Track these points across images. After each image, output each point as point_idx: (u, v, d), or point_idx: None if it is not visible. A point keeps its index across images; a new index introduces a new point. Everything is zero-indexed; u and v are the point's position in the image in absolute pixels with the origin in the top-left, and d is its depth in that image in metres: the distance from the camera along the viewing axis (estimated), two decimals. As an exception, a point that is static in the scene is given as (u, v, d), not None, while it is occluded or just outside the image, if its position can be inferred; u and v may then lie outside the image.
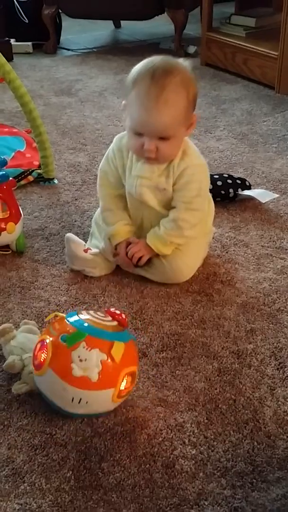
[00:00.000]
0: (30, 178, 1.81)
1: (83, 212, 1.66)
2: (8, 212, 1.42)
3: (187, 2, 2.92)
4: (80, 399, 0.97)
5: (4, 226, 1.42)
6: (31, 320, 1.22)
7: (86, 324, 0.99)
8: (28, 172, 1.81)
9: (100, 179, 1.40)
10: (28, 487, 0.92)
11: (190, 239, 1.35)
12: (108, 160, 1.37)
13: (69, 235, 1.39)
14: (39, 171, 1.82)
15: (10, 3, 3.02)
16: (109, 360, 0.97)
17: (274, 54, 2.45)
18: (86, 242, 1.43)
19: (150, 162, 1.28)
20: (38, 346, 1.01)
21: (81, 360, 0.96)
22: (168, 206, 1.33)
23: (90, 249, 1.39)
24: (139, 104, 1.20)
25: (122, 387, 0.99)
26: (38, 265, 1.44)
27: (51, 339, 0.99)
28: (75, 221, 1.62)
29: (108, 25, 3.55)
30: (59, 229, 1.58)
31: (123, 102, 1.28)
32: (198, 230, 1.36)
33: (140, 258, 1.34)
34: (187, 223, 1.31)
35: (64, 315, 1.03)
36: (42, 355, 0.99)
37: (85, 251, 1.38)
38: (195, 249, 1.37)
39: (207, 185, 1.36)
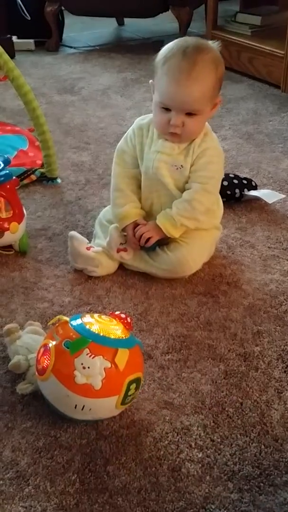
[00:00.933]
0: (33, 177, 1.79)
1: (86, 212, 1.64)
2: (11, 211, 1.41)
3: (192, 0, 2.91)
4: (84, 406, 0.96)
5: (7, 226, 1.40)
6: (35, 321, 1.21)
7: (89, 330, 0.98)
8: (31, 171, 1.80)
9: (116, 158, 1.42)
10: (32, 490, 0.92)
11: (200, 225, 1.35)
12: (127, 139, 1.39)
13: (72, 232, 1.39)
14: (42, 170, 1.81)
15: (13, 0, 3.01)
16: (113, 368, 0.95)
17: (280, 53, 2.44)
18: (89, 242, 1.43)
19: (173, 139, 1.30)
20: (41, 350, 1.00)
21: (84, 368, 0.94)
22: (181, 188, 1.34)
23: (93, 247, 1.38)
24: (170, 77, 1.23)
25: (126, 394, 0.98)
26: (41, 266, 1.42)
27: (54, 344, 0.98)
28: (78, 221, 1.60)
29: (111, 22, 3.54)
30: (63, 229, 1.57)
31: (150, 81, 1.31)
32: (207, 221, 1.36)
33: (148, 240, 1.34)
34: (201, 205, 1.32)
35: (67, 318, 1.02)
36: (45, 360, 0.97)
37: (88, 249, 1.37)
38: (200, 242, 1.37)
39: (223, 171, 1.40)
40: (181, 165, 1.32)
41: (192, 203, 1.31)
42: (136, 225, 1.36)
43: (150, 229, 1.34)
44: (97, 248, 1.38)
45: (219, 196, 1.42)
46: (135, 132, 1.37)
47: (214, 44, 1.28)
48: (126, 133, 1.41)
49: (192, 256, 1.35)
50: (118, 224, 1.37)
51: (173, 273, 1.35)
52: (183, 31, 2.93)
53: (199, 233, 1.37)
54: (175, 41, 1.27)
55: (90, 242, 1.43)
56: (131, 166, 1.39)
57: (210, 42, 1.29)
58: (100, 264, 1.37)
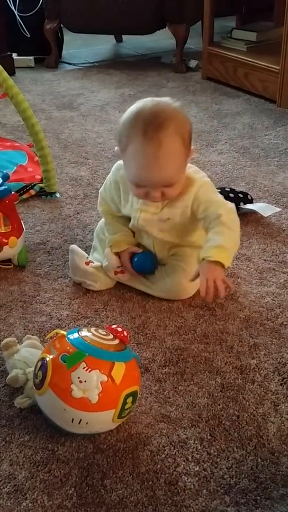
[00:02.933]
0: (32, 192, 1.81)
1: (85, 226, 1.66)
2: (10, 226, 1.42)
3: (188, 17, 2.95)
4: (80, 420, 0.96)
5: (6, 241, 1.41)
6: (33, 334, 1.22)
7: (86, 343, 0.98)
8: (30, 186, 1.81)
9: (100, 199, 1.42)
10: (30, 504, 0.91)
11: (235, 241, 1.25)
12: (106, 188, 1.38)
13: (73, 246, 1.40)
14: (41, 185, 1.82)
15: (13, 17, 3.05)
16: (110, 382, 0.96)
17: (275, 68, 2.46)
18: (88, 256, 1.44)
19: (155, 202, 1.27)
20: (39, 364, 1.00)
21: (80, 382, 0.95)
22: (172, 233, 1.32)
23: (92, 262, 1.39)
24: (137, 163, 1.17)
25: (123, 408, 0.98)
26: (40, 279, 1.43)
27: (51, 357, 0.98)
28: (77, 235, 1.62)
29: (110, 39, 3.58)
30: (61, 243, 1.58)
31: (116, 148, 1.26)
32: (202, 238, 1.32)
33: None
34: (234, 223, 1.23)
35: (65, 332, 1.02)
36: (42, 374, 0.98)
37: (87, 263, 1.38)
38: (196, 265, 1.36)
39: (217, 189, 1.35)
40: (168, 218, 1.28)
41: (223, 226, 1.20)
42: (131, 253, 1.35)
43: (216, 275, 1.17)
44: (96, 264, 1.39)
45: None
46: (112, 185, 1.34)
47: (174, 104, 1.18)
48: (106, 181, 1.38)
49: (188, 281, 1.33)
50: (112, 249, 1.36)
51: (170, 297, 1.35)
52: (180, 47, 2.96)
53: (195, 256, 1.32)
54: (133, 113, 1.17)
55: (89, 255, 1.44)
56: (115, 210, 1.38)
57: (167, 100, 1.18)
58: (99, 280, 1.38)
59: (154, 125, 1.13)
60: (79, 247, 1.43)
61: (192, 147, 1.23)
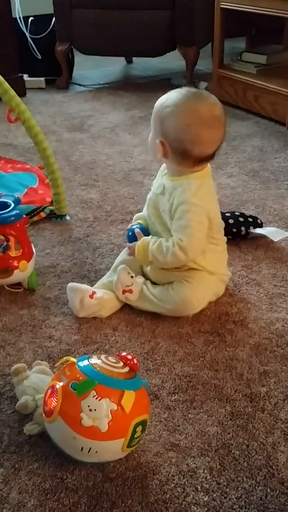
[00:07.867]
0: (42, 214, 1.82)
1: (94, 249, 1.66)
2: (21, 250, 1.43)
3: (199, 40, 2.97)
4: (90, 449, 0.96)
5: (17, 265, 1.42)
6: (42, 359, 1.22)
7: (96, 371, 0.98)
8: (40, 209, 1.83)
9: None
10: (38, 534, 0.91)
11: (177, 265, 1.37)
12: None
13: (71, 285, 1.40)
14: (51, 207, 1.83)
15: (24, 39, 3.10)
16: (119, 410, 0.96)
17: (285, 91, 2.47)
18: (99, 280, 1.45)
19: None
20: (49, 392, 1.00)
21: (90, 410, 0.95)
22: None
23: (95, 293, 1.38)
24: None
25: (132, 437, 0.98)
26: (49, 303, 1.44)
27: (61, 385, 0.98)
28: (86, 258, 1.62)
29: (120, 60, 3.61)
30: (71, 266, 1.59)
31: None
32: (199, 261, 1.37)
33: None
34: (174, 258, 1.34)
35: (75, 359, 1.03)
36: (52, 402, 0.98)
37: (91, 296, 1.37)
38: (203, 281, 1.37)
39: (199, 223, 1.34)
40: (163, 210, 1.38)
41: (173, 247, 1.33)
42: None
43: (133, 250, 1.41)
44: (98, 295, 1.38)
45: (224, 239, 1.43)
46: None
47: (189, 105, 1.31)
48: None
49: (195, 295, 1.35)
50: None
51: (177, 312, 1.36)
52: (190, 69, 2.99)
53: (201, 273, 1.37)
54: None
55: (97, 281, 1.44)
56: None
57: (196, 101, 1.32)
58: (103, 308, 1.38)
59: (167, 95, 1.37)
60: (89, 270, 1.43)
61: (162, 141, 1.32)
